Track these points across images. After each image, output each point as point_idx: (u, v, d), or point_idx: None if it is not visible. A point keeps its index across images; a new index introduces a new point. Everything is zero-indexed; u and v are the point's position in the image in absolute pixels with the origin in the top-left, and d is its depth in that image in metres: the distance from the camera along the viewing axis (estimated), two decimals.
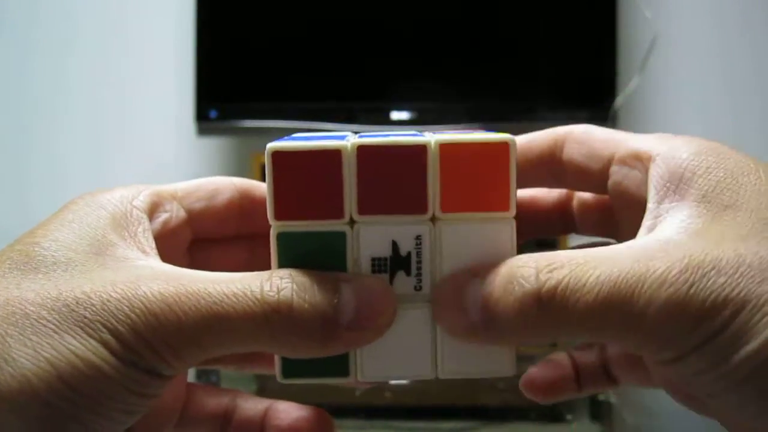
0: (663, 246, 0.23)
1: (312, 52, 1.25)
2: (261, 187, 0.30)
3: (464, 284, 0.24)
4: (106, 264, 0.24)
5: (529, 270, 0.23)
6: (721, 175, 0.24)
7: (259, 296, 0.23)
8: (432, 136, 0.25)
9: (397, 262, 0.25)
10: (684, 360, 0.22)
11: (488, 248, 0.25)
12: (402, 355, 0.25)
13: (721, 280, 0.22)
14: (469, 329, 0.24)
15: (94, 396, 0.21)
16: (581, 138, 0.31)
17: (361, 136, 0.25)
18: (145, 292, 0.22)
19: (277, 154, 0.24)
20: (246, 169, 1.28)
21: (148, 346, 0.22)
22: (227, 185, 0.30)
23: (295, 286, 0.23)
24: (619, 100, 1.26)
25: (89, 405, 0.21)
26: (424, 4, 1.27)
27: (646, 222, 0.25)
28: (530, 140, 0.31)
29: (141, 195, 0.27)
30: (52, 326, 0.22)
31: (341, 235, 0.25)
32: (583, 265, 0.23)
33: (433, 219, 0.25)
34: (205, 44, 1.24)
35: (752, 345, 0.21)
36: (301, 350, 0.24)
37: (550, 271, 0.23)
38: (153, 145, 1.37)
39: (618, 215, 0.30)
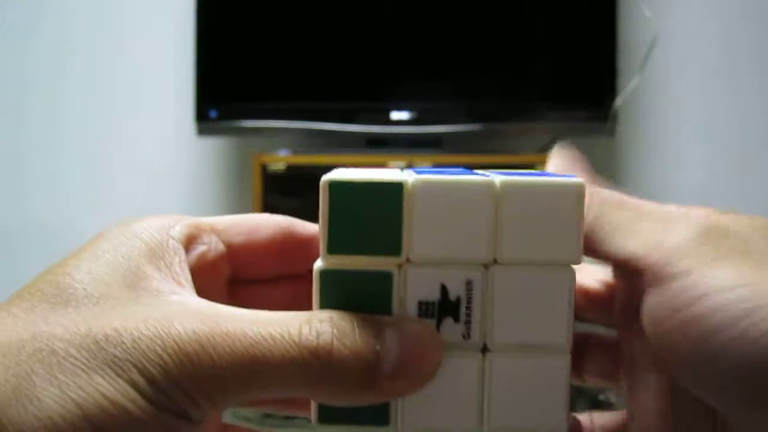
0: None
1: (312, 52, 1.25)
2: (303, 226, 0.29)
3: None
4: (139, 299, 0.23)
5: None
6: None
7: (297, 340, 0.22)
8: (497, 176, 0.24)
9: (445, 308, 0.24)
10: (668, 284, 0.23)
11: (544, 298, 0.24)
12: (446, 406, 0.24)
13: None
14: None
15: None
16: None
17: (418, 172, 0.24)
18: (178, 331, 0.21)
19: (334, 185, 0.23)
20: (246, 169, 1.28)
21: (180, 388, 0.21)
22: (269, 222, 0.29)
23: (335, 330, 0.22)
24: (619, 100, 1.26)
25: None
26: (424, 4, 1.27)
27: None
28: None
29: (178, 225, 0.26)
30: (81, 365, 0.21)
31: (388, 276, 0.23)
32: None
33: (486, 264, 0.24)
34: (205, 44, 1.24)
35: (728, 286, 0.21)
36: (340, 398, 0.23)
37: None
38: (153, 145, 1.37)
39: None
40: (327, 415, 0.24)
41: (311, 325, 0.22)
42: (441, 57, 1.27)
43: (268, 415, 1.05)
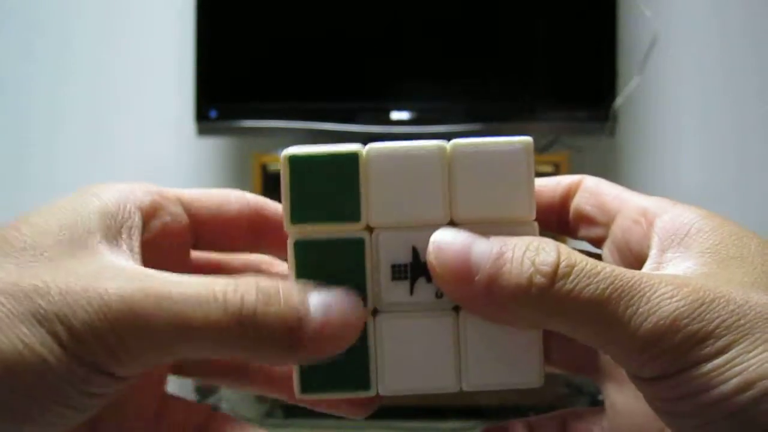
0: (672, 275, 0.23)
1: (312, 52, 1.25)
2: (274, 206, 0.30)
3: (472, 243, 0.24)
4: (74, 253, 0.23)
5: (550, 246, 0.23)
6: (726, 233, 0.25)
7: (222, 303, 0.22)
8: (448, 142, 0.25)
9: (417, 269, 0.25)
10: (668, 380, 0.22)
11: None
12: (424, 366, 0.25)
13: (730, 307, 0.22)
14: (470, 288, 0.23)
15: (34, 385, 0.21)
16: (592, 190, 0.30)
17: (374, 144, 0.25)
18: (105, 288, 0.22)
19: (293, 160, 0.24)
20: (246, 169, 1.28)
21: (101, 343, 0.22)
22: (238, 198, 0.30)
23: (260, 295, 0.23)
24: (619, 100, 1.26)
25: (28, 394, 0.21)
26: (425, 4, 1.27)
27: (648, 266, 0.25)
28: (542, 186, 0.30)
29: (141, 192, 0.27)
30: (6, 312, 0.21)
31: (360, 242, 0.25)
32: (597, 261, 0.23)
33: (452, 224, 0.25)
34: (205, 44, 1.24)
35: (740, 378, 0.21)
36: (264, 359, 0.24)
37: (569, 253, 0.23)
38: (153, 144, 1.37)
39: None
40: (308, 385, 0.25)
41: (237, 289, 0.23)
42: (441, 57, 1.27)
43: (269, 415, 1.05)
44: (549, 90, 1.27)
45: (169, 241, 0.28)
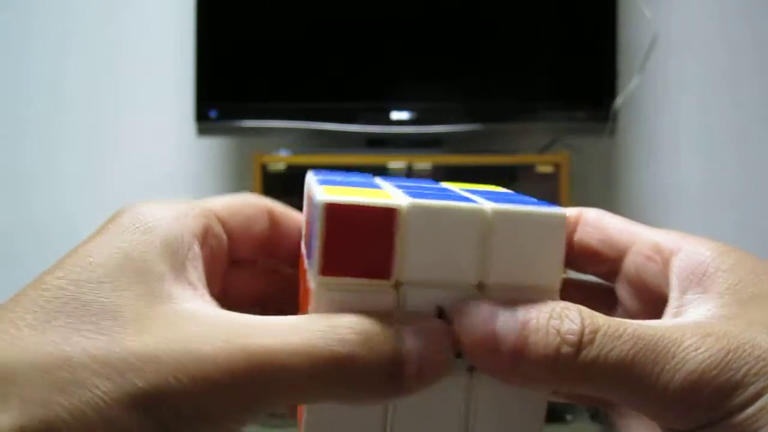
0: (695, 324, 0.23)
1: (312, 52, 1.25)
2: (284, 213, 0.30)
3: (497, 314, 0.23)
4: (153, 308, 0.22)
5: (573, 313, 0.23)
6: (744, 272, 0.25)
7: (323, 351, 0.22)
8: (488, 203, 0.24)
9: None
10: None
11: None
12: (434, 422, 0.25)
13: (756, 353, 0.22)
14: (497, 358, 0.23)
15: None
16: (595, 223, 0.30)
17: (412, 191, 0.25)
18: (200, 354, 0.21)
19: (331, 208, 0.23)
20: (246, 169, 1.28)
21: (204, 416, 0.21)
22: (262, 211, 0.29)
23: (358, 337, 0.22)
24: (619, 100, 1.26)
25: None
26: (425, 4, 1.27)
27: (670, 310, 0.25)
28: None
29: (191, 216, 0.26)
30: (105, 398, 0.20)
31: (388, 295, 0.24)
32: (619, 322, 0.23)
33: (481, 286, 0.24)
34: (205, 44, 1.24)
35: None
36: (367, 400, 0.23)
37: (591, 317, 0.23)
38: (153, 144, 1.37)
39: (626, 301, 0.30)
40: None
41: (335, 333, 0.22)
42: (441, 57, 1.27)
43: (273, 414, 1.05)
44: (549, 90, 1.27)
45: (216, 262, 0.27)
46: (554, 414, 1.13)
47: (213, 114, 1.24)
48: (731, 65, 1.35)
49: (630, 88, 1.29)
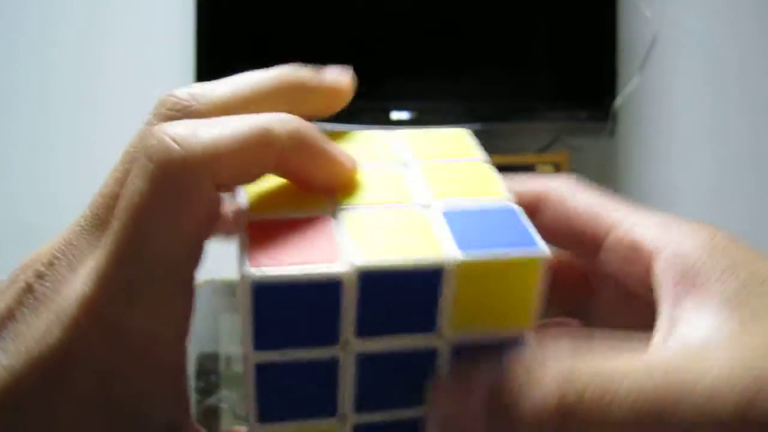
0: (700, 353, 0.20)
1: (312, 52, 1.25)
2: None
3: (473, 377, 0.21)
4: None
5: (551, 375, 0.20)
6: (739, 282, 0.21)
7: None
8: (452, 253, 0.20)
9: None
10: None
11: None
12: None
13: None
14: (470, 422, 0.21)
15: None
16: (558, 205, 0.26)
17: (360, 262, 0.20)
18: None
19: (259, 288, 0.19)
20: None
21: None
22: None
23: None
24: (619, 100, 1.26)
25: None
26: (425, 4, 1.27)
27: (661, 326, 0.22)
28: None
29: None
30: None
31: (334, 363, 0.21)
32: (610, 375, 0.20)
33: (444, 338, 0.21)
34: (205, 43, 1.24)
35: None
36: None
37: (573, 377, 0.20)
38: None
39: (597, 296, 0.27)
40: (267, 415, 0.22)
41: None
42: (441, 57, 1.27)
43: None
44: (549, 90, 1.27)
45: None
46: None
47: None
48: (731, 65, 1.35)
49: (630, 88, 1.29)
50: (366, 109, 1.23)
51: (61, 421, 0.21)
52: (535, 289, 0.21)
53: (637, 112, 1.34)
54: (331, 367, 0.21)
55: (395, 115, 1.24)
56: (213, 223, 0.22)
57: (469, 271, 0.20)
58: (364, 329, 0.21)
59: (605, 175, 1.37)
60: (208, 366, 1.07)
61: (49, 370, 0.20)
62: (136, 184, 0.20)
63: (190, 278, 0.21)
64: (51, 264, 0.23)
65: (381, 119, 1.23)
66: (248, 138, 0.21)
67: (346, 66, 0.27)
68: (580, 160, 1.29)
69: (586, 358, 0.20)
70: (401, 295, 0.20)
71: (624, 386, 0.19)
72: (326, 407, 0.22)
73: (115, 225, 0.21)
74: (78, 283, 0.21)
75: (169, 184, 0.20)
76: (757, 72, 1.35)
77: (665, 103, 1.35)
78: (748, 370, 0.19)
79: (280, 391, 0.21)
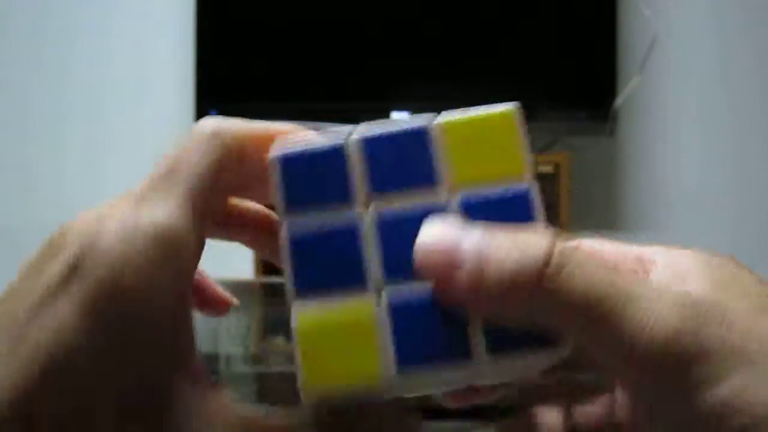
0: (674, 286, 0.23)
1: (312, 52, 1.25)
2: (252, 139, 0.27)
3: (461, 233, 0.23)
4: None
5: (538, 239, 0.22)
6: (728, 278, 0.23)
7: None
8: (433, 118, 0.25)
9: None
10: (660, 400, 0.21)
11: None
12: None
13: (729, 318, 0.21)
14: (456, 281, 0.22)
15: None
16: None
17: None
18: None
19: (284, 160, 0.25)
20: None
21: None
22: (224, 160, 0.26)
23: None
24: (619, 100, 1.26)
25: None
26: (425, 4, 1.27)
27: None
28: None
29: (178, 284, 0.23)
30: None
31: (355, 229, 0.24)
32: (592, 254, 0.23)
33: (452, 194, 0.25)
34: (205, 44, 1.24)
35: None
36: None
37: (565, 237, 0.22)
38: (153, 145, 1.36)
39: None
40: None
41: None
42: (441, 57, 1.27)
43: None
44: (549, 90, 1.27)
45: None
46: None
47: (213, 114, 1.24)
48: (730, 65, 1.35)
49: (630, 88, 1.29)
50: (366, 109, 1.23)
51: None
52: (519, 140, 0.26)
53: (637, 112, 1.34)
54: (354, 234, 0.24)
55: (395, 115, 1.24)
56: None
57: (450, 129, 0.25)
58: (375, 188, 0.24)
59: (605, 175, 1.37)
60: (208, 366, 1.07)
61: None
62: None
63: None
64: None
65: (381, 119, 1.23)
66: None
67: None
68: (580, 160, 1.29)
69: None
70: (401, 156, 0.25)
71: (606, 259, 0.23)
72: (358, 279, 0.24)
73: None
74: None
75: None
76: (757, 72, 1.35)
77: (665, 103, 1.35)
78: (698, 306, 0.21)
79: (313, 263, 0.24)
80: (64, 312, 0.21)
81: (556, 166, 1.17)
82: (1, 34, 1.38)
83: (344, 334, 0.23)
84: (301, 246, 0.24)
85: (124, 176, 1.41)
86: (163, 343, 0.22)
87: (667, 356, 0.20)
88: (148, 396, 0.22)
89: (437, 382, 0.24)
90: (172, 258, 0.22)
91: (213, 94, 1.25)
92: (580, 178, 1.29)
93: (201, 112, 1.24)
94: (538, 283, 0.21)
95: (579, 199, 1.25)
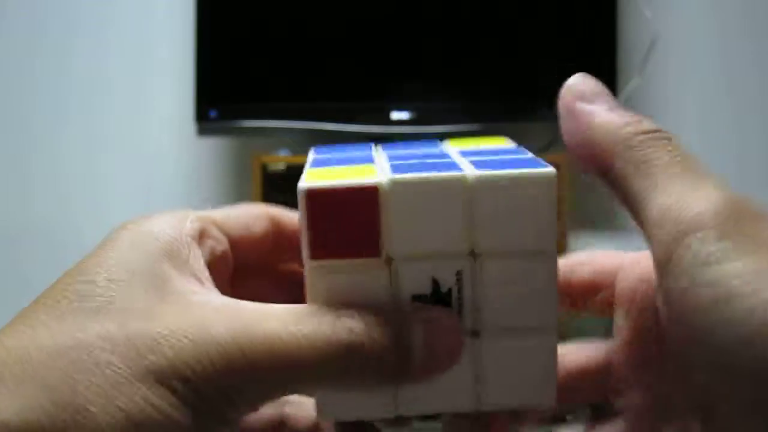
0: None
1: (312, 52, 1.25)
2: (289, 217, 0.30)
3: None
4: (164, 299, 0.23)
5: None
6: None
7: (331, 337, 0.22)
8: (470, 169, 0.24)
9: (437, 299, 0.24)
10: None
11: (529, 283, 0.25)
12: (444, 389, 0.25)
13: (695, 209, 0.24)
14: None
15: None
16: (586, 259, 0.30)
17: (394, 168, 0.25)
18: (213, 336, 0.22)
19: (311, 194, 0.23)
20: (246, 169, 1.28)
21: (220, 393, 0.22)
22: (262, 214, 0.29)
23: (365, 326, 0.23)
24: (619, 100, 1.26)
25: None
26: (425, 4, 1.27)
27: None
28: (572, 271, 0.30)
29: (189, 221, 0.26)
30: (124, 375, 0.21)
31: (378, 273, 0.24)
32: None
33: (473, 254, 0.24)
34: (205, 44, 1.24)
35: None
36: (372, 388, 0.24)
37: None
38: (153, 145, 1.37)
39: (623, 330, 0.29)
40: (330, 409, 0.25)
41: (341, 322, 0.23)
42: (441, 57, 1.27)
43: None
44: (549, 90, 1.26)
45: (218, 264, 0.27)
46: (554, 414, 1.13)
47: (213, 114, 1.24)
48: (731, 65, 1.35)
49: (630, 88, 1.29)
50: (366, 109, 1.23)
51: None
52: (550, 208, 0.25)
53: (637, 112, 1.34)
54: (372, 199, 0.23)
55: (395, 115, 1.24)
56: None
57: (485, 185, 0.24)
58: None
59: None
60: None
61: None
62: None
63: None
64: None
65: (381, 119, 1.23)
66: None
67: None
68: None
69: None
70: (427, 209, 0.24)
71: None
72: (371, 245, 0.24)
73: None
74: None
75: None
76: (757, 72, 1.35)
77: (665, 103, 1.35)
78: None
79: (330, 224, 0.24)
80: None
81: (556, 166, 1.17)
82: (0, 34, 1.38)
83: None
84: (317, 207, 0.24)
85: (124, 176, 1.42)
86: None
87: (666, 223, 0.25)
88: None
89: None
90: None
91: (213, 94, 1.25)
92: (580, 178, 1.29)
93: (201, 112, 1.24)
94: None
95: (579, 199, 1.25)
